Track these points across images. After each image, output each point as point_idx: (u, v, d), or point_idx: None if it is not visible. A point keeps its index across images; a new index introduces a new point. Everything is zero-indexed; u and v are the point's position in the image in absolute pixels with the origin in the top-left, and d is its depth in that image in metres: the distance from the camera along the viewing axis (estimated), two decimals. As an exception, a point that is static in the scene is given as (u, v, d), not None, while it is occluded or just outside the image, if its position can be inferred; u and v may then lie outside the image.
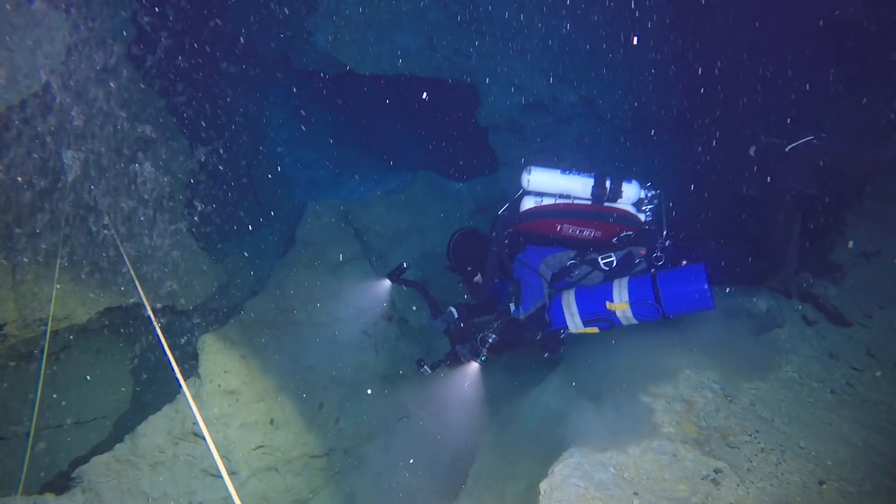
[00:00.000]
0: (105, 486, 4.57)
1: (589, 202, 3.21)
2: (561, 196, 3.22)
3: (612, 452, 3.08)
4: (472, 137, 6.86)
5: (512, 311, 3.25)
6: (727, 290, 3.46)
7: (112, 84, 4.86)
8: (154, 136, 5.28)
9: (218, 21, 5.53)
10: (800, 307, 4.05)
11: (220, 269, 5.68)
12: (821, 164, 2.94)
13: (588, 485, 2.80)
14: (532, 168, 3.20)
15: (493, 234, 3.25)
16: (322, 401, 5.35)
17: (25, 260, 4.50)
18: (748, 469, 2.99)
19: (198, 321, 5.73)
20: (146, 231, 5.30)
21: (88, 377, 5.35)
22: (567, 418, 3.77)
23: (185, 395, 4.91)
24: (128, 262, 3.26)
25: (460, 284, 3.63)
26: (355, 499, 5.22)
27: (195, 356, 5.17)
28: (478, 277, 3.40)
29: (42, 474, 4.79)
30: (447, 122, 7.11)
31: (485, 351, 3.18)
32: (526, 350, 3.38)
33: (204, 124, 6.07)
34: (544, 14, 6.08)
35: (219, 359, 5.19)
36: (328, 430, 5.27)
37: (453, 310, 3.46)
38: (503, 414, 5.27)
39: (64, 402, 5.23)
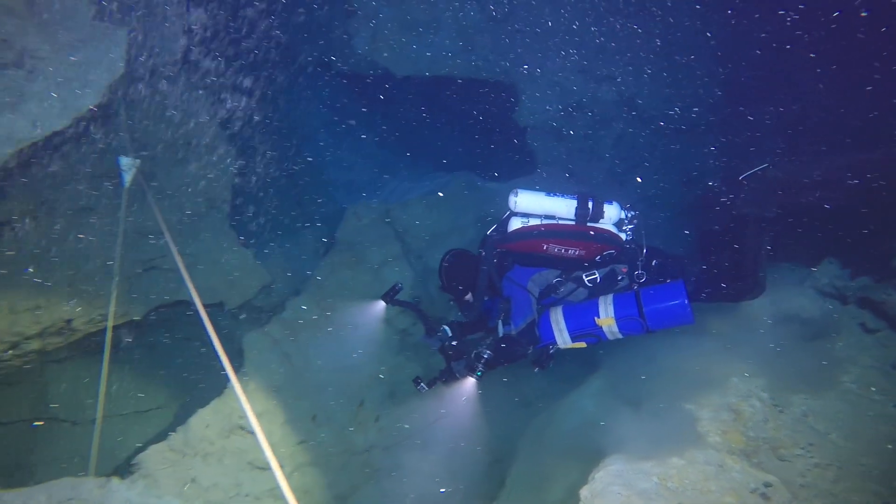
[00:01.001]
0: (161, 473, 4.79)
1: (573, 222, 3.37)
2: (546, 217, 3.38)
3: (654, 461, 3.03)
4: (510, 138, 6.84)
5: (502, 327, 3.38)
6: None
7: (165, 92, 5.07)
8: (202, 140, 5.48)
9: (278, 33, 5.68)
10: (858, 314, 3.88)
11: (263, 268, 5.84)
12: (776, 188, 3.22)
13: (630, 493, 2.76)
14: (518, 191, 3.38)
15: (483, 253, 3.39)
16: (363, 399, 5.44)
17: (84, 258, 4.75)
18: (801, 485, 2.88)
19: (242, 319, 5.92)
20: (195, 232, 5.51)
21: (143, 370, 5.60)
22: (606, 425, 3.73)
23: (235, 390, 5.08)
24: (180, 262, 3.40)
25: (451, 302, 3.75)
26: (393, 498, 5.29)
27: (240, 354, 5.34)
28: (468, 296, 3.55)
29: (108, 459, 5.02)
30: (485, 123, 7.10)
31: (480, 366, 3.28)
32: (519, 363, 3.50)
33: (248, 128, 6.25)
34: (583, 12, 6.00)
35: (263, 357, 5.35)
36: (368, 428, 5.36)
37: (447, 328, 3.59)
38: (541, 418, 5.24)
39: (125, 393, 5.49)
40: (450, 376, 3.47)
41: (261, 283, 5.75)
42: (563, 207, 3.38)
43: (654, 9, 5.82)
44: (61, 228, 4.74)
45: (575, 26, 6.01)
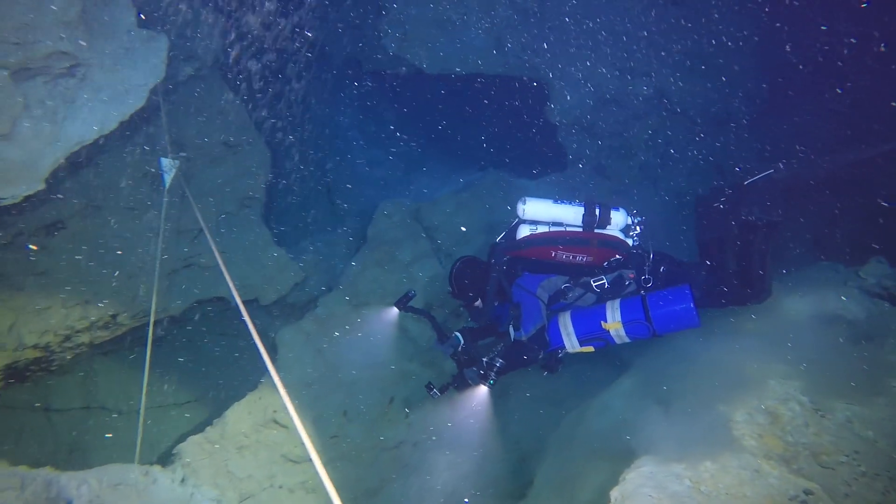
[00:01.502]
0: (199, 463, 4.96)
1: (580, 229, 3.44)
2: (554, 224, 3.45)
3: (686, 464, 2.98)
4: (541, 135, 6.79)
5: (513, 333, 3.43)
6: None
7: (202, 94, 5.22)
8: (237, 140, 5.62)
9: (308, 34, 5.79)
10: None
11: (297, 265, 5.96)
12: (781, 191, 3.25)
13: (662, 496, 2.73)
14: (526, 199, 3.45)
15: (492, 261, 3.44)
16: (393, 395, 5.51)
17: (122, 254, 4.94)
18: (846, 494, 2.76)
19: (277, 315, 6.06)
20: (231, 230, 5.66)
21: (182, 364, 5.80)
22: (637, 424, 3.67)
23: (269, 384, 5.22)
24: (219, 259, 3.51)
25: (461, 308, 3.74)
26: (422, 493, 5.35)
27: (274, 349, 5.47)
28: (478, 302, 3.62)
29: (150, 448, 5.22)
30: (516, 120, 7.07)
31: (493, 375, 3.33)
32: (529, 368, 3.55)
33: (281, 127, 6.38)
34: (615, 5, 5.90)
35: (295, 352, 5.47)
36: (398, 424, 5.42)
37: (458, 335, 3.66)
38: (571, 416, 5.21)
39: (165, 386, 5.70)
40: (462, 382, 3.52)
41: (294, 279, 5.87)
42: (570, 214, 3.44)
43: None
44: (107, 227, 4.95)
45: (607, 20, 5.92)
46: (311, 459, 5.22)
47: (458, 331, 3.70)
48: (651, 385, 4.00)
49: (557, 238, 3.41)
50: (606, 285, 3.46)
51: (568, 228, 3.43)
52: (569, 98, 6.24)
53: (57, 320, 4.82)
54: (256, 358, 6.02)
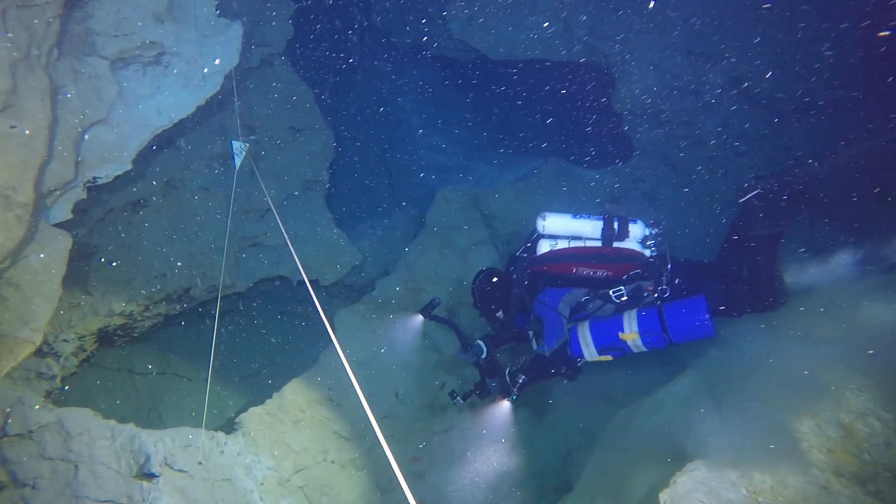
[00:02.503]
0: (259, 433, 5.24)
1: (599, 242, 3.50)
2: (573, 238, 3.51)
3: (743, 472, 2.87)
4: (605, 123, 6.59)
5: (535, 347, 3.54)
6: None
7: (270, 79, 5.42)
8: (303, 124, 5.80)
9: (374, 17, 5.87)
10: None
11: (356, 248, 6.11)
12: (780, 203, 3.38)
13: (714, 503, 2.64)
14: (546, 214, 3.53)
15: (515, 276, 3.54)
16: (444, 380, 5.59)
17: (198, 232, 5.24)
18: (931, 522, 2.56)
19: (336, 296, 6.26)
20: (294, 211, 5.88)
21: (247, 338, 6.11)
22: (691, 426, 3.56)
23: (332, 361, 5.42)
24: (287, 240, 3.67)
25: (481, 318, 3.90)
26: (467, 481, 5.42)
27: (332, 329, 5.66)
28: (499, 313, 3.72)
29: (216, 415, 5.56)
30: (580, 108, 6.89)
31: (515, 391, 3.45)
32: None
33: (345, 112, 6.51)
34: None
35: (351, 333, 5.64)
36: (448, 409, 5.50)
37: (481, 343, 3.75)
38: (622, 413, 5.10)
39: (234, 358, 6.05)
40: (484, 390, 3.64)
41: (353, 262, 6.04)
42: (589, 228, 3.50)
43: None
44: (184, 206, 5.26)
45: (680, 1, 5.63)
46: (358, 437, 5.40)
47: (480, 339, 3.79)
48: (709, 386, 3.86)
49: (578, 255, 3.48)
50: (625, 297, 3.54)
51: (587, 242, 3.48)
52: (636, 85, 6.01)
53: (139, 290, 5.21)
54: (315, 336, 6.26)
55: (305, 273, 5.54)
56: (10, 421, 3.92)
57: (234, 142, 3.96)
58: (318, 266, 5.91)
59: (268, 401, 5.40)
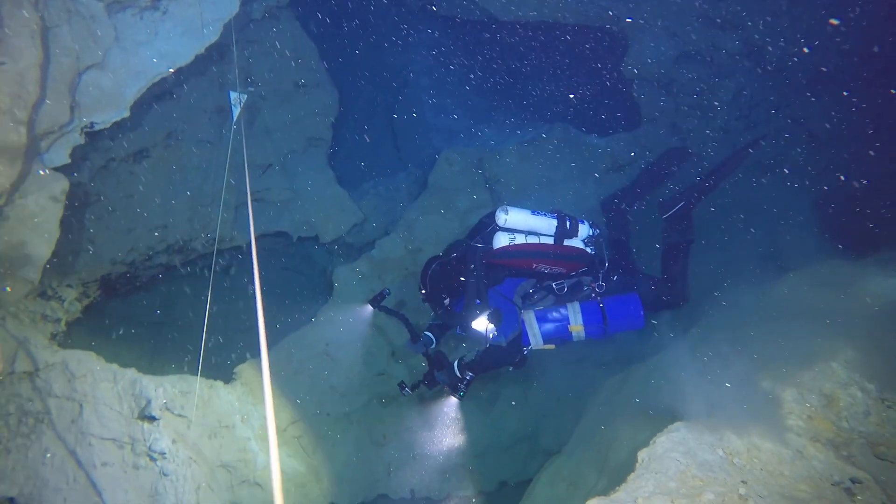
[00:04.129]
0: (257, 384, 5.36)
1: (552, 238, 3.80)
2: (529, 233, 3.74)
3: (722, 434, 2.90)
4: (615, 90, 6.45)
5: (491, 337, 3.69)
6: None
7: (274, 32, 5.33)
8: (305, 80, 5.73)
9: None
10: None
11: (356, 207, 6.11)
12: (691, 215, 4.05)
13: (690, 462, 2.69)
14: (509, 208, 3.70)
15: (472, 266, 3.66)
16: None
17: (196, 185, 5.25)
18: (904, 488, 2.59)
19: (335, 253, 6.30)
20: (296, 168, 5.87)
21: (247, 292, 6.19)
22: (679, 390, 3.61)
23: (323, 319, 5.49)
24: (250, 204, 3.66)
25: (424, 303, 3.98)
26: (458, 441, 5.54)
27: (330, 286, 5.72)
28: (447, 300, 3.85)
29: (214, 366, 5.66)
30: (590, 73, 6.74)
31: (463, 388, 3.59)
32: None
33: (351, 71, 6.42)
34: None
35: (350, 290, 5.69)
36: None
37: (429, 334, 3.92)
38: (615, 378, 5.16)
39: (231, 310, 6.13)
40: (432, 381, 3.77)
41: (353, 220, 6.05)
42: (544, 225, 3.76)
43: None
44: (185, 158, 5.27)
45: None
46: (354, 394, 5.49)
47: (427, 330, 3.94)
48: (702, 351, 3.88)
49: (539, 252, 3.75)
50: (566, 289, 3.90)
51: (541, 237, 3.75)
52: (647, 51, 5.86)
53: (140, 240, 5.27)
54: (313, 292, 6.31)
55: (300, 229, 5.56)
56: (18, 359, 4.05)
57: (231, 92, 3.93)
58: (319, 223, 5.93)
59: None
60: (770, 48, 5.48)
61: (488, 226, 3.74)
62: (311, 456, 5.32)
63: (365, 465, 5.47)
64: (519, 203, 3.89)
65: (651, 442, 2.92)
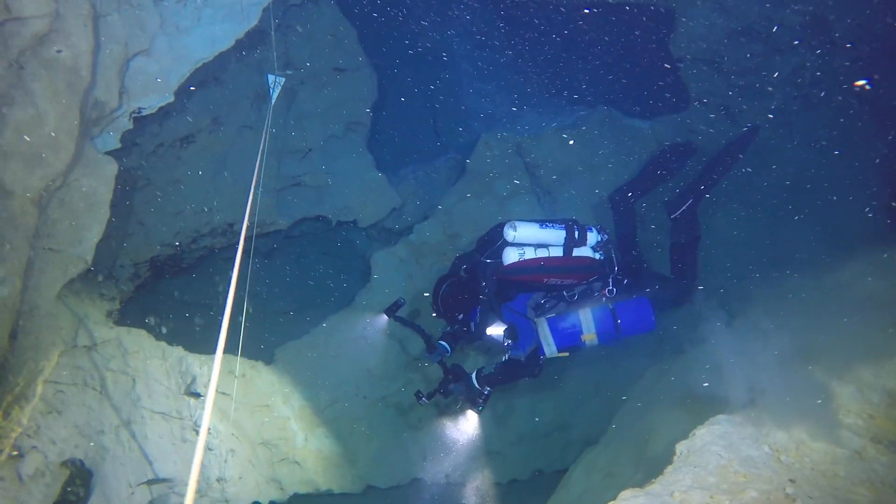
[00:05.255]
0: (297, 366, 5.49)
1: (561, 248, 3.78)
2: (538, 246, 3.72)
3: (769, 429, 2.77)
4: (661, 70, 6.19)
5: (510, 352, 3.73)
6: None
7: (313, 16, 5.35)
8: (346, 64, 5.74)
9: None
10: None
11: (395, 191, 6.12)
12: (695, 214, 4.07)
13: (732, 457, 2.57)
14: (517, 223, 3.70)
15: (484, 283, 3.65)
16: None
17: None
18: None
19: (374, 238, 6.34)
20: (335, 152, 5.91)
21: (288, 276, 6.33)
22: (725, 383, 3.47)
23: (362, 303, 5.53)
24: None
25: (435, 316, 3.97)
26: (503, 426, 5.52)
27: (368, 269, 5.76)
28: (460, 316, 3.85)
29: (256, 347, 5.82)
30: (635, 53, 6.48)
31: (482, 402, 3.63)
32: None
33: (390, 54, 6.39)
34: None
35: (388, 274, 5.72)
36: (480, 357, 5.55)
37: (444, 343, 3.88)
38: (658, 367, 5.02)
39: (276, 290, 6.28)
40: (447, 389, 3.78)
41: (391, 205, 6.06)
42: (553, 236, 3.75)
43: None
44: (228, 142, 5.38)
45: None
46: (390, 378, 5.54)
47: (441, 339, 3.92)
48: (750, 340, 3.71)
49: (549, 267, 3.74)
50: (577, 297, 3.90)
51: (551, 249, 3.74)
52: (697, 27, 5.57)
53: (186, 223, 5.45)
54: (352, 277, 6.36)
55: (338, 214, 5.58)
56: (79, 335, 4.27)
57: (269, 75, 3.98)
58: (357, 207, 5.97)
59: (305, 336, 5.62)
60: (832, 19, 5.11)
61: (496, 241, 3.74)
62: (347, 438, 5.42)
63: (401, 448, 5.53)
64: (527, 216, 3.87)
65: (690, 434, 2.82)
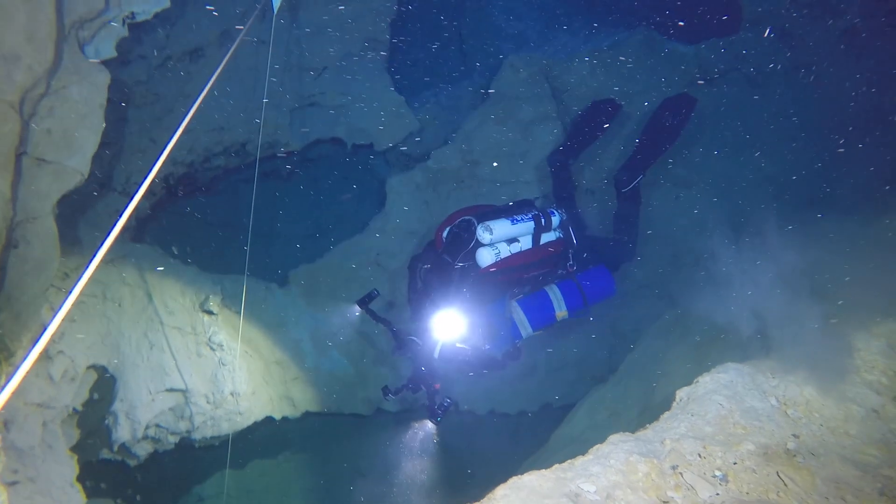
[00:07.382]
0: (312, 287, 5.51)
1: (530, 238, 3.83)
2: (510, 241, 3.72)
3: (780, 381, 2.59)
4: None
5: (487, 347, 3.70)
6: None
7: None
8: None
9: None
10: None
11: (412, 115, 5.84)
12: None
13: (734, 407, 2.42)
14: (490, 225, 3.64)
15: (464, 290, 3.58)
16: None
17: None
18: None
19: (391, 163, 6.13)
20: (353, 72, 5.62)
21: (303, 199, 6.23)
22: (741, 329, 3.27)
23: (378, 229, 5.42)
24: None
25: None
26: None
27: (384, 195, 5.61)
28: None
29: (279, 271, 5.84)
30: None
31: (441, 413, 3.63)
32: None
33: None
34: None
35: (403, 200, 5.57)
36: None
37: (415, 338, 3.80)
38: (677, 311, 4.83)
39: (288, 216, 6.23)
40: (416, 385, 3.75)
41: (409, 129, 5.80)
42: (523, 229, 3.78)
43: None
44: (239, 57, 5.15)
45: None
46: (405, 304, 5.46)
47: (412, 335, 3.83)
48: (772, 288, 3.46)
49: (526, 265, 3.79)
50: (540, 277, 3.96)
51: (521, 240, 3.77)
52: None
53: (198, 141, 5.34)
54: (366, 202, 6.22)
55: (354, 136, 5.32)
56: (99, 250, 4.32)
57: (272, -20, 3.68)
58: (373, 131, 5.74)
59: (318, 260, 5.60)
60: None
61: (468, 241, 3.58)
62: (359, 361, 5.49)
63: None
64: (494, 215, 3.65)
65: (694, 381, 2.66)
